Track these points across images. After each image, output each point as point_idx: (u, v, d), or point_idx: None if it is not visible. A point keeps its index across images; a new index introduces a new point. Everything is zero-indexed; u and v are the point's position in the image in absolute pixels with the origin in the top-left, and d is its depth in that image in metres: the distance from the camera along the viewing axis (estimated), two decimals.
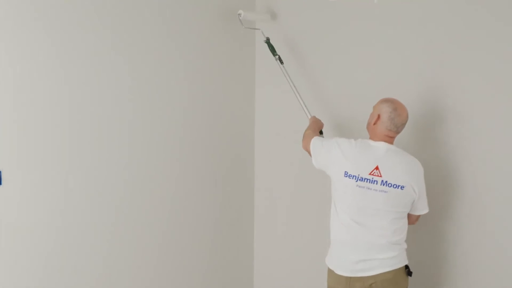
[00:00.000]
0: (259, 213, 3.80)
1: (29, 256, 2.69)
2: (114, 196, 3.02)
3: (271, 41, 3.37)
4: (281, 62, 3.30)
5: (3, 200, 2.58)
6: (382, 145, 2.55)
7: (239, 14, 3.36)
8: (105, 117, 2.95)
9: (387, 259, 2.52)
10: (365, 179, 2.50)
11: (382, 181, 2.49)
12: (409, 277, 2.60)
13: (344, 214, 2.56)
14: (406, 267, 2.58)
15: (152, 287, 3.25)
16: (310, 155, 2.75)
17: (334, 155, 2.59)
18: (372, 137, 2.61)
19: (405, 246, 2.58)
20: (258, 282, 3.85)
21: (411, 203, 2.56)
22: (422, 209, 2.65)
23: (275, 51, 3.33)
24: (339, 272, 2.59)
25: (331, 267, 2.64)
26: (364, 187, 2.50)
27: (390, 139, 2.58)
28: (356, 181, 2.51)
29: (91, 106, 2.88)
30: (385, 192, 2.48)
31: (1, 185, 2.56)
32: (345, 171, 2.53)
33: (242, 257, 3.82)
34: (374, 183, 2.49)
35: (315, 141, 2.73)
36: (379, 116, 2.57)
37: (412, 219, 2.67)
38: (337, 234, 2.60)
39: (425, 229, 2.91)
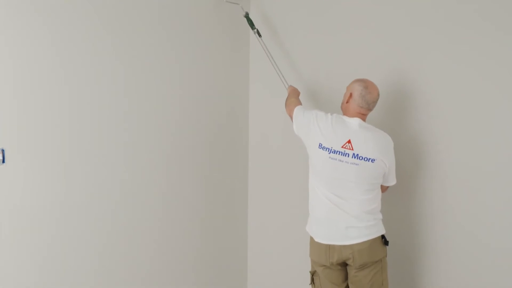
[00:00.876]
0: (253, 207, 3.96)
1: (32, 233, 2.78)
2: (114, 177, 3.12)
3: (249, 16, 3.60)
4: (259, 35, 3.50)
5: (6, 178, 2.68)
6: (355, 121, 2.70)
7: None
8: (105, 102, 3.06)
9: (363, 228, 2.64)
10: (337, 151, 2.64)
11: (354, 154, 2.63)
12: (386, 246, 2.74)
13: (320, 186, 2.69)
14: (383, 236, 2.71)
15: (148, 276, 3.36)
16: (292, 121, 2.90)
17: (312, 127, 2.74)
18: (346, 114, 2.77)
19: (380, 216, 2.71)
20: (251, 274, 4.01)
21: (382, 176, 2.70)
22: (391, 181, 2.80)
23: (253, 25, 3.53)
24: (318, 239, 2.72)
25: (313, 236, 2.76)
26: (336, 159, 2.64)
27: (362, 116, 2.73)
28: (329, 153, 2.65)
29: (91, 91, 2.99)
30: (356, 164, 2.62)
31: (4, 163, 2.66)
32: (320, 143, 2.68)
33: (236, 248, 3.95)
34: (346, 155, 2.63)
35: (298, 110, 2.88)
36: (351, 95, 2.75)
37: (381, 189, 2.81)
38: (315, 206, 2.74)
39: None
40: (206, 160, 3.67)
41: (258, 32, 3.52)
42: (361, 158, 2.64)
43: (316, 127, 2.73)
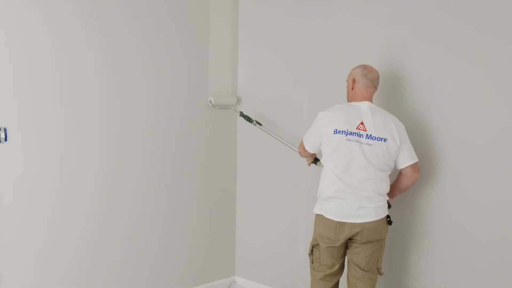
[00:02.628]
0: (241, 197, 4.08)
1: (32, 202, 2.96)
2: (110, 154, 3.27)
3: (244, 113, 3.80)
4: (260, 124, 3.70)
5: (9, 155, 2.84)
6: (364, 104, 2.82)
7: (210, 101, 3.76)
8: (103, 84, 3.21)
9: (373, 208, 2.76)
10: (353, 133, 2.75)
11: (367, 135, 2.74)
12: (389, 226, 2.88)
13: (335, 169, 2.78)
14: (388, 216, 2.85)
15: (142, 253, 3.51)
16: (307, 153, 3.06)
17: (322, 125, 2.83)
18: (354, 101, 2.88)
19: (386, 197, 2.84)
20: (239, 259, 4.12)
21: (395, 155, 2.79)
22: (410, 159, 2.84)
23: (251, 119, 3.72)
24: (329, 216, 2.80)
25: (322, 213, 2.84)
26: (353, 140, 2.74)
27: (370, 98, 2.85)
28: (346, 135, 2.75)
29: (90, 72, 3.14)
30: (370, 145, 2.73)
31: (7, 141, 2.81)
32: (335, 129, 2.77)
33: (225, 236, 4.06)
34: (360, 136, 2.74)
35: (305, 135, 3.01)
36: (354, 80, 2.87)
37: (409, 173, 2.85)
38: (329, 187, 2.81)
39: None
40: (197, 151, 3.79)
41: (257, 122, 3.72)
42: (374, 138, 2.75)
43: (326, 121, 2.83)
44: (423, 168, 3.02)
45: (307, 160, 3.27)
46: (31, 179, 2.95)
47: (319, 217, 2.88)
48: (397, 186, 2.95)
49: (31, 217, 2.97)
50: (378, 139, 2.74)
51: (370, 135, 2.74)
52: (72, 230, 3.14)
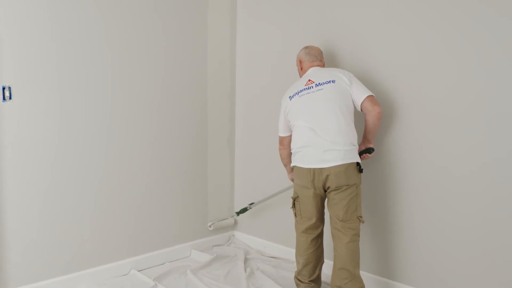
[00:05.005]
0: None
1: (34, 160, 3.07)
2: (111, 108, 3.38)
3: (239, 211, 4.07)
4: (253, 203, 4.02)
5: (13, 113, 2.95)
6: (309, 70, 3.16)
7: (209, 226, 4.04)
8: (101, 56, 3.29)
9: (338, 152, 2.88)
10: (302, 89, 3.06)
11: (316, 84, 3.03)
12: (360, 174, 2.99)
13: (299, 123, 3.01)
14: (358, 164, 2.95)
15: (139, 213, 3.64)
16: (284, 151, 3.28)
17: (282, 104, 3.18)
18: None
19: (356, 146, 2.96)
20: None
21: (349, 95, 2.97)
22: (365, 92, 2.97)
23: (246, 209, 4.02)
24: (301, 165, 2.99)
25: (296, 164, 3.04)
26: (304, 94, 3.03)
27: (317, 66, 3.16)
28: (297, 94, 3.06)
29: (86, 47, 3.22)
30: (321, 89, 2.99)
31: (11, 100, 2.93)
32: (289, 96, 3.10)
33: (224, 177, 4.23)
34: (310, 88, 3.03)
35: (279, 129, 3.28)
36: (300, 61, 3.24)
37: (368, 107, 2.95)
38: (298, 141, 3.02)
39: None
40: (193, 115, 3.92)
41: (251, 204, 4.01)
42: (323, 83, 3.00)
43: (283, 101, 3.15)
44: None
45: (288, 175, 3.45)
46: (33, 137, 3.06)
47: (294, 169, 3.08)
48: (366, 129, 3.06)
49: (32, 174, 3.08)
50: (326, 82, 3.00)
51: (319, 83, 3.02)
52: (73, 187, 3.26)
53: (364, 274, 3.30)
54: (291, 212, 3.77)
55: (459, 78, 2.89)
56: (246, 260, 3.83)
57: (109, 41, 3.33)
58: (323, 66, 3.19)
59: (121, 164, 3.48)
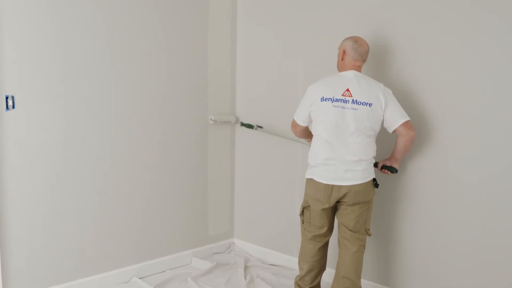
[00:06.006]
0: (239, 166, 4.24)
1: (38, 169, 3.10)
2: (113, 118, 3.40)
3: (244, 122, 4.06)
4: (261, 127, 3.94)
5: (16, 122, 2.97)
6: (350, 73, 2.95)
7: (211, 119, 3.98)
8: (103, 58, 3.31)
9: (359, 171, 2.90)
10: (339, 99, 2.89)
11: (353, 100, 2.88)
12: (376, 188, 3.04)
13: (324, 134, 2.92)
14: (374, 179, 3.00)
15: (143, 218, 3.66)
16: (299, 129, 3.16)
17: (311, 96, 2.98)
18: (342, 70, 3.01)
19: (373, 161, 2.97)
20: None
21: (380, 121, 2.92)
22: (402, 118, 2.92)
23: (252, 125, 3.97)
24: (319, 179, 2.96)
25: (312, 177, 2.99)
26: (338, 106, 2.88)
27: (358, 68, 2.98)
28: (332, 102, 2.90)
29: (89, 52, 3.24)
30: (355, 109, 2.87)
31: (14, 109, 2.95)
32: (322, 97, 2.92)
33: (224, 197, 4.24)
34: (346, 102, 2.88)
35: (295, 113, 3.13)
36: (344, 52, 3.00)
37: (402, 132, 2.92)
38: (318, 151, 2.96)
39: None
40: (199, 119, 3.94)
41: (259, 126, 3.96)
42: (359, 103, 2.88)
43: (314, 92, 2.97)
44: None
45: (307, 141, 3.37)
46: (37, 145, 3.09)
47: (309, 181, 3.03)
48: (396, 149, 3.04)
49: (36, 183, 3.11)
50: (364, 103, 2.87)
51: (356, 100, 2.87)
52: (76, 195, 3.29)
53: (364, 282, 3.33)
54: (291, 219, 3.79)
55: (469, 85, 2.92)
56: (246, 267, 3.85)
57: (112, 47, 3.36)
58: (364, 62, 3.01)
59: (123, 172, 3.51)
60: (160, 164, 3.72)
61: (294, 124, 3.17)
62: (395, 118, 2.92)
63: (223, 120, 4.06)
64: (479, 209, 2.93)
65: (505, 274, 2.84)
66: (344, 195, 2.92)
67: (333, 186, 2.92)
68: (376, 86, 2.92)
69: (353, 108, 2.87)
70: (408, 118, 2.93)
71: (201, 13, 3.86)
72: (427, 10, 3.06)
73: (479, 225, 2.94)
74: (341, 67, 3.03)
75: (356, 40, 2.99)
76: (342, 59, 3.02)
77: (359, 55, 2.96)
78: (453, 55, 2.98)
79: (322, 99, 2.91)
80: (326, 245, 3.13)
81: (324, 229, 3.06)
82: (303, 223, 3.12)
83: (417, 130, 3.09)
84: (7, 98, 2.92)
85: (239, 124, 4.07)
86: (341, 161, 2.89)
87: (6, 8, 2.88)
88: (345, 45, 3.00)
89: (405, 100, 3.13)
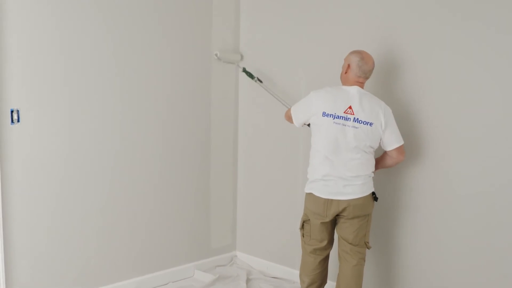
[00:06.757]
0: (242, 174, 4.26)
1: (42, 182, 3.14)
2: (116, 131, 3.44)
3: (247, 69, 3.94)
4: (261, 81, 3.86)
5: (21, 135, 3.01)
6: (354, 89, 2.95)
7: (216, 54, 3.93)
8: (106, 67, 3.35)
9: (358, 186, 2.92)
10: (340, 116, 2.89)
11: (354, 118, 2.89)
12: (375, 202, 3.06)
13: (323, 150, 2.94)
14: (373, 193, 3.01)
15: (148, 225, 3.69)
16: (292, 121, 3.15)
17: (313, 104, 2.98)
18: (345, 84, 3.02)
19: (372, 175, 3.00)
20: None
21: (379, 139, 2.94)
22: (397, 142, 2.98)
23: (252, 76, 3.88)
24: (318, 194, 2.98)
25: (311, 192, 3.02)
26: (339, 123, 2.89)
27: (360, 84, 2.98)
28: (333, 118, 2.90)
29: (93, 62, 3.29)
30: (356, 128, 2.88)
31: (19, 122, 2.99)
32: (323, 112, 2.92)
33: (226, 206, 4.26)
34: (347, 120, 2.89)
35: (293, 107, 3.14)
36: (349, 66, 2.99)
37: (393, 155, 3.01)
38: (317, 167, 2.98)
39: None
40: (199, 130, 3.96)
41: (259, 79, 3.87)
42: (360, 122, 2.89)
43: (317, 102, 2.97)
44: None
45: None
46: (41, 158, 3.12)
47: (309, 195, 3.05)
48: (381, 163, 3.10)
49: (40, 195, 3.14)
50: (365, 123, 2.88)
51: (357, 119, 2.88)
52: (80, 208, 3.32)
53: None
54: (293, 233, 3.80)
55: (469, 102, 2.96)
56: (248, 280, 3.86)
57: (118, 61, 3.41)
58: (367, 79, 3.02)
59: (126, 185, 3.54)
60: (163, 178, 3.75)
61: (289, 117, 3.18)
62: (391, 141, 2.97)
63: (228, 59, 4.01)
64: (479, 222, 2.96)
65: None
66: (344, 209, 2.94)
67: (332, 200, 2.94)
68: (377, 105, 2.93)
69: (354, 127, 2.89)
70: (402, 142, 2.99)
71: (205, 20, 3.91)
72: (429, 24, 3.09)
73: (480, 239, 2.96)
74: (344, 80, 3.03)
75: (362, 57, 2.97)
76: (346, 72, 3.02)
77: (363, 72, 2.96)
78: (456, 71, 3.01)
79: (324, 114, 2.92)
80: (327, 258, 3.15)
81: (324, 243, 3.07)
82: (303, 236, 3.14)
83: (417, 145, 3.13)
84: (12, 111, 2.96)
85: (242, 70, 3.97)
86: (340, 177, 2.91)
87: (12, 23, 2.93)
88: (350, 60, 2.99)
89: (405, 116, 3.17)
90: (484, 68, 2.90)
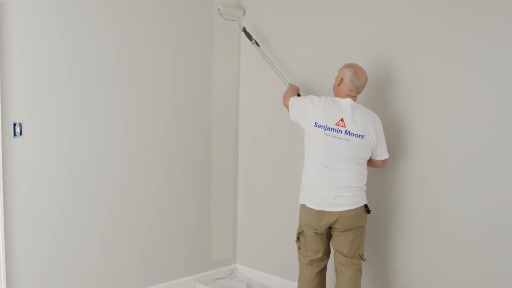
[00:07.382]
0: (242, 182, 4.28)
1: (45, 195, 3.17)
2: (117, 144, 3.46)
3: (247, 29, 3.91)
4: (258, 45, 3.83)
5: (24, 148, 3.04)
6: (346, 101, 2.98)
7: (219, 9, 3.93)
8: (107, 65, 3.37)
9: (350, 197, 2.94)
10: (332, 128, 2.93)
11: (346, 130, 2.92)
12: (368, 214, 3.07)
13: (315, 160, 2.98)
14: (366, 206, 3.03)
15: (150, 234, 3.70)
16: (288, 110, 3.19)
17: (307, 110, 3.03)
18: (337, 96, 3.06)
19: (365, 188, 3.02)
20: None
21: (370, 151, 2.98)
22: (383, 155, 3.05)
23: (251, 37, 3.85)
24: (310, 205, 3.01)
25: (305, 203, 3.05)
26: (330, 135, 2.93)
27: (353, 98, 3.01)
28: (324, 130, 2.94)
29: (99, 73, 3.33)
30: (347, 140, 2.91)
31: (22, 136, 3.02)
32: (315, 122, 2.96)
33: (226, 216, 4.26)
34: (339, 132, 2.92)
35: (293, 100, 3.18)
36: (342, 79, 3.02)
37: (378, 163, 3.11)
38: (309, 177, 3.02)
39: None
40: (198, 141, 3.96)
41: (256, 43, 3.86)
42: (352, 134, 2.92)
43: (312, 109, 3.01)
44: (400, 158, 3.23)
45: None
46: (44, 170, 3.15)
47: (302, 207, 3.09)
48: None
49: (43, 207, 3.17)
50: (356, 135, 2.91)
51: (349, 131, 2.91)
52: (81, 221, 3.34)
53: None
54: (292, 245, 3.81)
55: (464, 118, 3.00)
56: None
57: (121, 72, 3.44)
58: (359, 94, 3.05)
59: (126, 199, 3.56)
60: (163, 191, 3.77)
61: (286, 106, 3.22)
62: (380, 153, 3.05)
63: (230, 14, 4.00)
64: (476, 225, 2.98)
65: None
66: (335, 221, 2.95)
67: (324, 212, 2.96)
68: (369, 118, 2.97)
69: (345, 139, 2.91)
70: (388, 155, 3.08)
71: (206, 31, 3.94)
72: (424, 35, 3.12)
73: (477, 256, 2.98)
74: (336, 93, 3.07)
75: (355, 72, 2.99)
76: (338, 85, 3.05)
77: (355, 87, 2.99)
78: (451, 82, 3.04)
79: (316, 124, 2.96)
80: (324, 269, 3.16)
81: (320, 254, 3.09)
82: (299, 248, 3.16)
83: (409, 149, 3.20)
84: (14, 125, 2.99)
85: (242, 29, 3.94)
86: (332, 188, 2.94)
87: (14, 36, 2.96)
88: (343, 73, 3.02)
89: (397, 131, 3.21)
90: (480, 81, 2.93)
